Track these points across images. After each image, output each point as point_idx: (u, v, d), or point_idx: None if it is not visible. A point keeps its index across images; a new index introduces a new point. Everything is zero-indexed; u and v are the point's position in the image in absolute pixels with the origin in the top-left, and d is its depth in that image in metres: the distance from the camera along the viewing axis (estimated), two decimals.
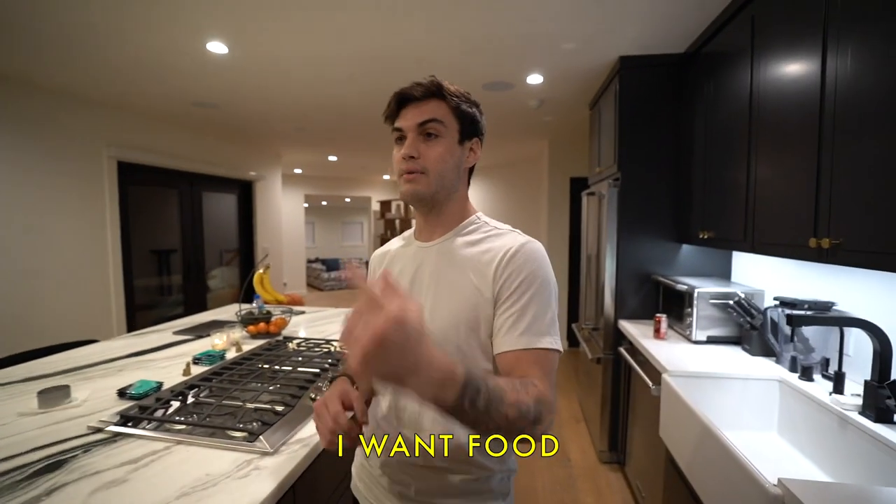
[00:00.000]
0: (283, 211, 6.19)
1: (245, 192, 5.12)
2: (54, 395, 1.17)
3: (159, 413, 1.10)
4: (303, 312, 2.42)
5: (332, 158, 6.26)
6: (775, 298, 1.53)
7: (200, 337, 1.90)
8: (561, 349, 0.71)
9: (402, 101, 0.77)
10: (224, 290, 4.97)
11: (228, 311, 2.46)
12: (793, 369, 1.43)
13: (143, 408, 1.11)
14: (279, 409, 1.11)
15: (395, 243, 0.92)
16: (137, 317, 3.72)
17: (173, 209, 4.16)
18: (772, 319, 1.54)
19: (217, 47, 2.19)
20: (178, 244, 4.22)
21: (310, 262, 10.45)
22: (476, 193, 7.58)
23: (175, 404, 1.15)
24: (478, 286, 0.73)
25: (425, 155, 0.75)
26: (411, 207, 0.83)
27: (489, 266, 0.74)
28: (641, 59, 2.28)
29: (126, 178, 3.51)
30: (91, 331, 3.17)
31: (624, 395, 2.20)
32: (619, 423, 2.27)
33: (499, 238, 0.77)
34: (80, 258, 3.14)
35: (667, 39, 2.13)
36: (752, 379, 1.44)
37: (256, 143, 5.01)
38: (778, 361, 1.52)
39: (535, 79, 2.74)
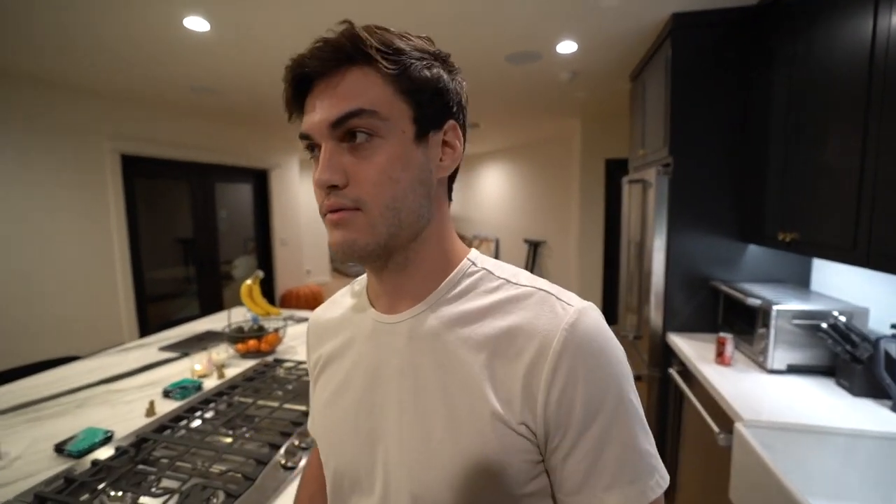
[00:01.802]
0: (304, 198, 6.01)
1: (260, 181, 4.94)
2: None
3: (91, 486, 0.87)
4: (305, 320, 2.19)
5: None
6: (894, 326, 1.15)
7: (186, 355, 1.70)
8: (668, 478, 0.43)
9: (302, 80, 0.43)
10: None
11: (225, 320, 2.26)
12: None
13: (70, 480, 0.88)
14: (233, 487, 0.86)
15: (343, 302, 0.58)
16: (150, 310, 3.64)
17: (185, 200, 4.02)
18: (887, 353, 1.17)
19: (197, 23, 1.91)
20: (191, 236, 4.10)
21: None
22: (497, 178, 7.17)
23: (117, 467, 0.93)
24: (497, 408, 0.41)
25: (356, 177, 0.42)
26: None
27: (517, 368, 0.42)
28: (700, 16, 1.85)
29: (133, 171, 3.37)
30: (98, 330, 3.08)
31: (674, 425, 1.86)
32: (668, 452, 1.94)
33: (523, 306, 0.44)
34: (83, 256, 3.02)
35: None
36: (864, 436, 1.08)
37: (269, 130, 4.79)
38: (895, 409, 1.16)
39: (567, 47, 2.34)
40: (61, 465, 0.96)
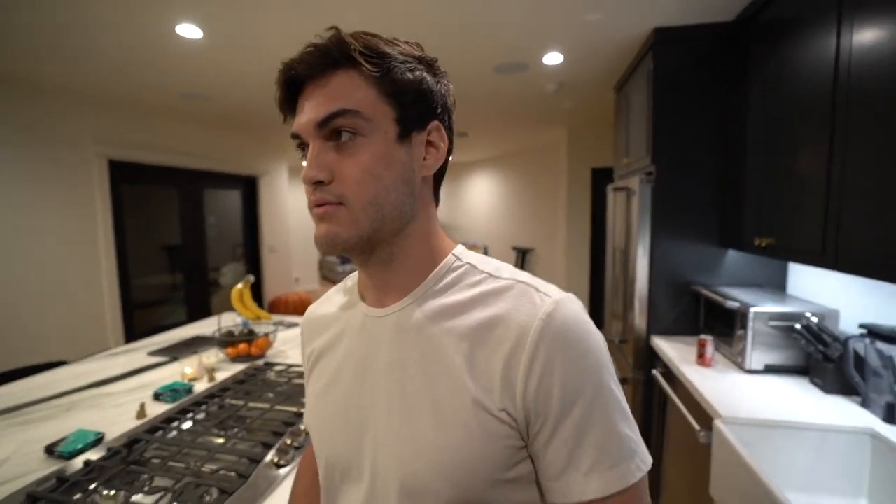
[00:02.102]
0: (293, 205, 6.00)
1: (249, 188, 4.93)
2: None
3: (82, 486, 0.87)
4: (296, 325, 2.19)
5: None
6: (862, 326, 1.21)
7: (175, 359, 1.70)
8: (649, 461, 0.44)
9: (293, 83, 0.46)
10: None
11: (215, 325, 2.25)
12: (889, 419, 1.13)
13: (62, 479, 0.88)
14: (226, 484, 0.87)
15: (336, 298, 0.60)
16: (137, 317, 3.59)
17: (173, 206, 4.00)
18: (855, 352, 1.24)
19: (189, 31, 1.94)
20: (180, 243, 4.07)
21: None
22: (485, 186, 7.25)
23: (109, 467, 0.93)
24: (478, 396, 0.43)
25: (340, 174, 0.44)
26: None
27: (496, 358, 0.43)
28: (681, 31, 1.93)
29: (120, 176, 3.34)
30: (82, 337, 3.03)
31: (658, 426, 1.91)
32: (653, 452, 1.98)
33: (503, 297, 0.46)
34: (68, 261, 2.98)
35: (712, 6, 1.79)
36: (834, 431, 1.14)
37: (259, 137, 4.79)
38: (864, 405, 1.21)
39: (553, 58, 2.42)
40: (52, 467, 0.96)
